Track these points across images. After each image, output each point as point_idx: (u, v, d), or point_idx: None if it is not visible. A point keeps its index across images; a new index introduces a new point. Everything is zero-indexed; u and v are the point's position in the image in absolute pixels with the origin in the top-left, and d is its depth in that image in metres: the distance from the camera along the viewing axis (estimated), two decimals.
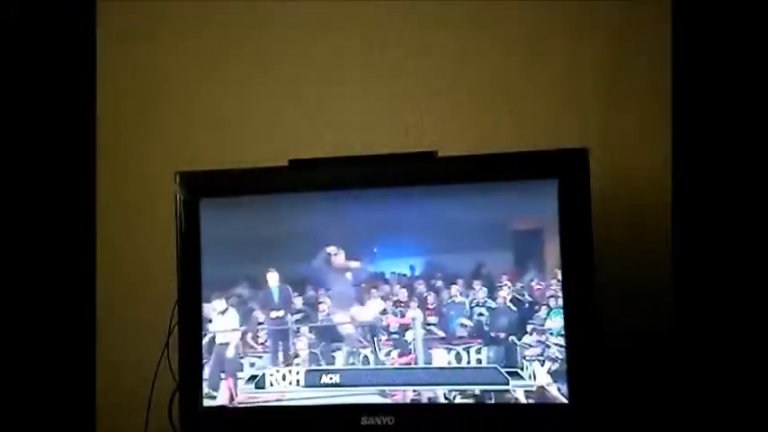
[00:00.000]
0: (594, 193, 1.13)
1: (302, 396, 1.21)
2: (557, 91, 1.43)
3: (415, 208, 1.20)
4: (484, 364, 1.16)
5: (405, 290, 1.20)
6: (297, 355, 1.22)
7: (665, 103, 1.16)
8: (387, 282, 1.20)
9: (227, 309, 1.23)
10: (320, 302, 1.21)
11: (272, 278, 1.22)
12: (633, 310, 1.33)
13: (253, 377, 1.23)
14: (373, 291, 1.20)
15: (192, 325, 1.23)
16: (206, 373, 1.23)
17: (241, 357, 1.23)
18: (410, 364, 1.18)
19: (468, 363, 1.17)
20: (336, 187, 1.22)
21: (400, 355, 1.19)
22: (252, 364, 1.23)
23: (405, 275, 1.19)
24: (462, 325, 1.18)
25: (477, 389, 1.16)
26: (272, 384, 1.22)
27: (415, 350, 1.19)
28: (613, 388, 1.19)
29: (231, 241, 1.23)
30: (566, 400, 1.13)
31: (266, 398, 1.22)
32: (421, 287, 1.19)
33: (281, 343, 1.22)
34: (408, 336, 1.19)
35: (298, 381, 1.22)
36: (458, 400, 1.16)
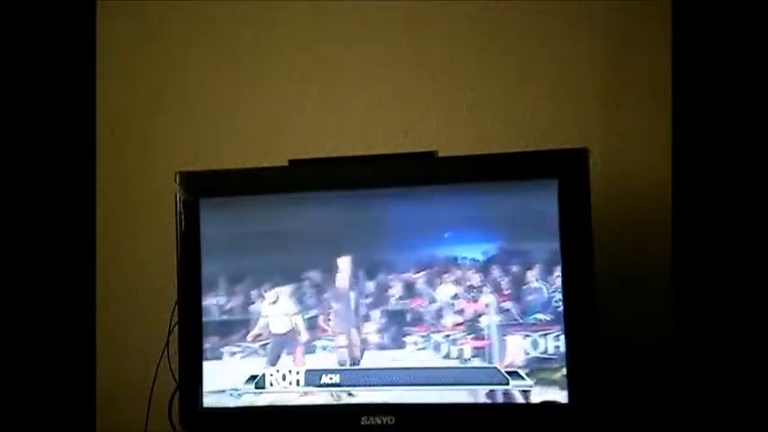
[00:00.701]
0: (594, 193, 1.13)
1: (302, 396, 1.21)
2: (557, 91, 1.43)
3: (414, 208, 1.20)
4: (487, 364, 1.16)
5: (478, 275, 1.18)
6: (366, 340, 1.20)
7: (665, 103, 1.16)
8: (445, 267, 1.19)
9: (278, 298, 1.22)
10: (390, 287, 1.20)
11: (344, 262, 1.21)
12: (633, 310, 1.33)
13: (253, 377, 1.23)
14: (445, 276, 1.18)
15: (191, 325, 1.23)
16: (268, 354, 1.23)
17: (314, 341, 1.21)
18: (483, 348, 1.17)
19: (546, 350, 1.15)
20: (336, 187, 1.22)
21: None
22: (324, 348, 1.21)
23: (477, 260, 1.17)
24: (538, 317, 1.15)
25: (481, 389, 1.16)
26: (271, 384, 1.22)
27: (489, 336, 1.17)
28: (613, 388, 1.19)
29: (232, 241, 1.23)
30: (566, 400, 1.13)
31: (266, 398, 1.22)
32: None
33: (350, 327, 1.21)
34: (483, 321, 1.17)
35: (298, 381, 1.22)
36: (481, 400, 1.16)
